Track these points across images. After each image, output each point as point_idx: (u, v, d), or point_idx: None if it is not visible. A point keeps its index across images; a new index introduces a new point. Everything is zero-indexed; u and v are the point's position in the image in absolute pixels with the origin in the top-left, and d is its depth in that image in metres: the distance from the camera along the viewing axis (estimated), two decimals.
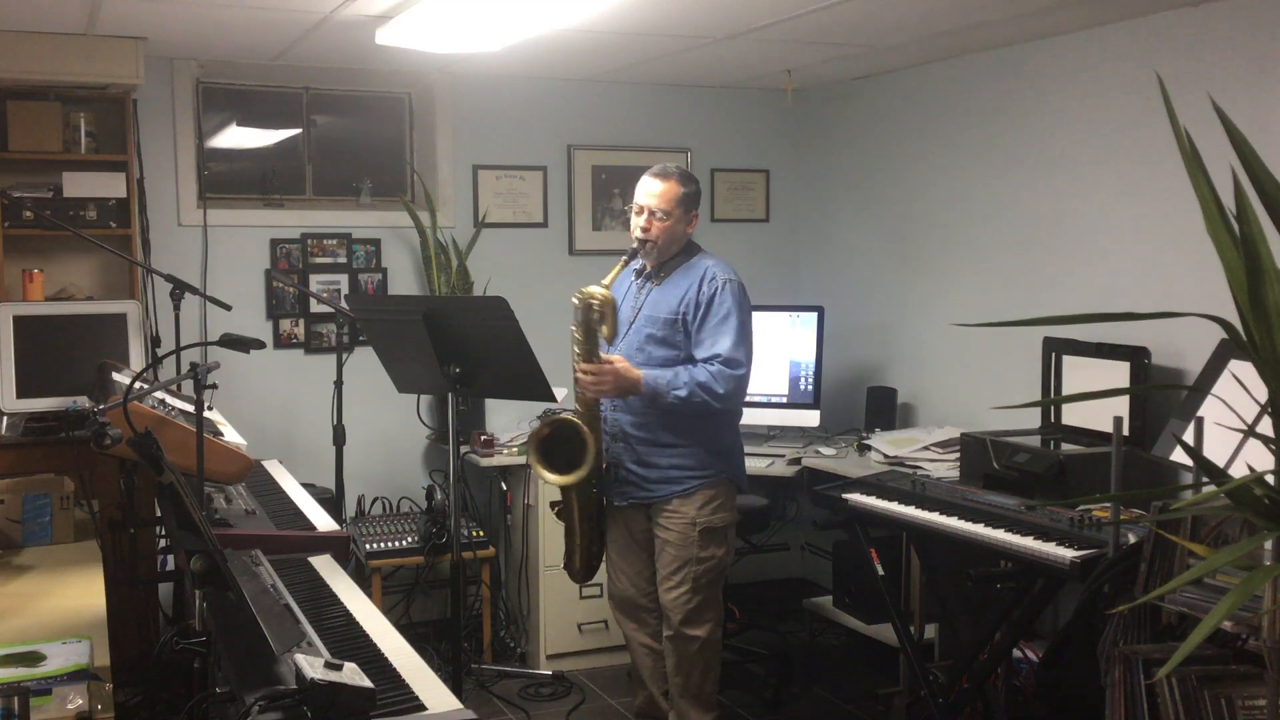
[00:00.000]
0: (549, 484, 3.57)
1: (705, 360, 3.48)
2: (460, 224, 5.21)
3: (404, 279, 5.16)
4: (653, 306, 3.61)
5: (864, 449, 4.61)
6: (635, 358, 3.57)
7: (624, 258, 3.59)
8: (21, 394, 4.04)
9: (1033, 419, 4.12)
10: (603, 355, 3.51)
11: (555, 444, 3.54)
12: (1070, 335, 3.99)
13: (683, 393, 3.44)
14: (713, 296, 3.51)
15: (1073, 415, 3.97)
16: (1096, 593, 2.99)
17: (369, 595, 3.32)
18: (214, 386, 3.43)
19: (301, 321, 5.02)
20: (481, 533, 4.82)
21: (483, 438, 4.80)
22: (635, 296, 3.68)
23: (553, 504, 3.72)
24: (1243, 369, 2.67)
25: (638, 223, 3.57)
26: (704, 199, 5.57)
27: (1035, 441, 3.89)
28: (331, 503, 4.29)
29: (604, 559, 3.82)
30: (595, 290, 3.47)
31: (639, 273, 3.71)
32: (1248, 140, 1.85)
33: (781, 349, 4.99)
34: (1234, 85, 3.54)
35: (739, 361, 3.48)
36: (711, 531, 3.58)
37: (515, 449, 4.78)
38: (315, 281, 5.00)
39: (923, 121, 4.92)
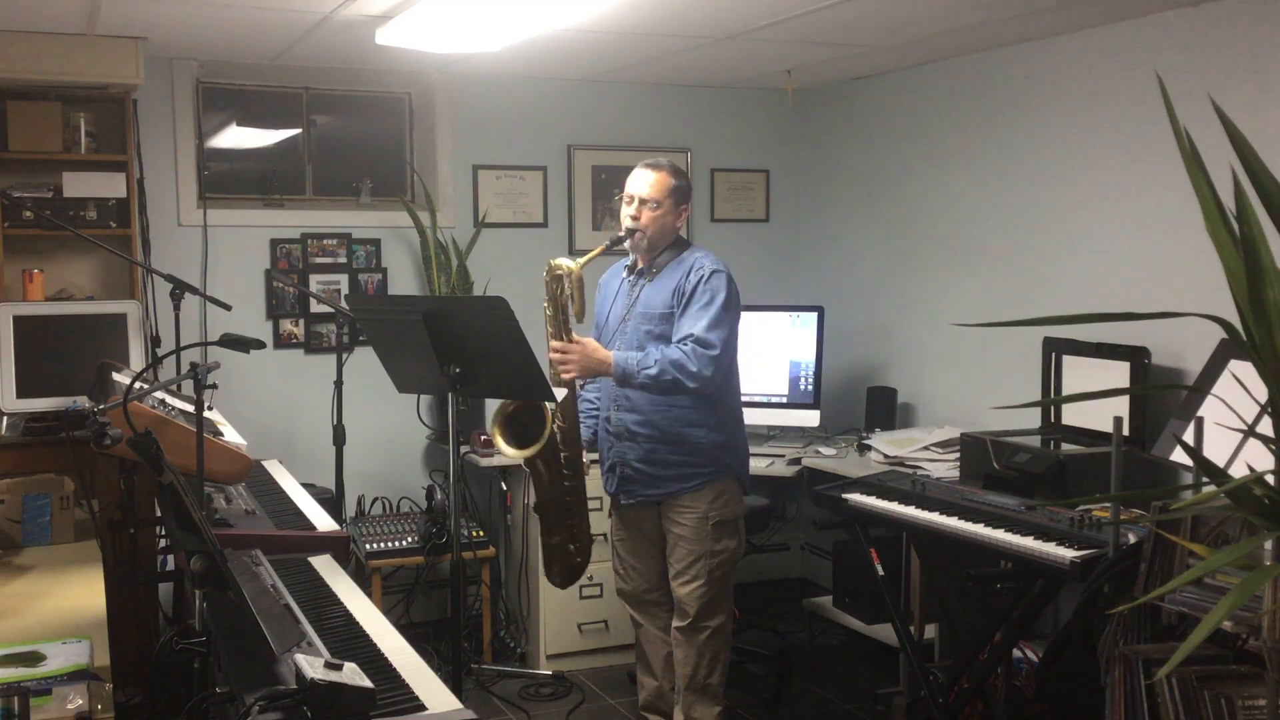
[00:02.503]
0: (508, 457, 3.59)
1: (679, 341, 3.49)
2: (460, 224, 5.21)
3: (404, 279, 5.16)
4: (646, 304, 3.62)
5: (864, 449, 4.61)
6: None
7: (605, 241, 3.59)
8: (21, 394, 4.04)
9: (1033, 419, 4.12)
10: (575, 338, 3.53)
11: (521, 421, 3.56)
12: (1070, 335, 3.99)
13: (653, 370, 3.44)
14: (698, 283, 3.51)
15: (1073, 415, 3.97)
16: (1096, 593, 2.99)
17: (369, 595, 3.32)
18: (214, 386, 3.43)
19: (301, 321, 5.02)
20: (481, 533, 4.82)
21: (483, 438, 4.79)
22: (628, 294, 3.69)
23: (535, 506, 3.74)
24: (1243, 369, 2.67)
25: (628, 211, 3.59)
26: (704, 199, 5.59)
27: (1035, 441, 3.89)
28: (331, 503, 4.29)
29: (612, 557, 3.83)
30: (563, 261, 3.49)
31: (630, 269, 3.72)
32: (1248, 140, 1.85)
33: (781, 349, 4.99)
34: (1234, 85, 3.54)
35: (711, 343, 3.45)
36: (724, 524, 3.60)
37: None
38: (315, 281, 5.00)
39: (923, 121, 4.92)
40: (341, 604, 2.71)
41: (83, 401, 3.90)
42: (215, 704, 2.15)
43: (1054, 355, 4.07)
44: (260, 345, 3.33)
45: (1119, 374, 3.75)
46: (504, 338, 3.31)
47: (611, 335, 3.68)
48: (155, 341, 4.40)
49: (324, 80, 5.12)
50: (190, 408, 3.35)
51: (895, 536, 4.18)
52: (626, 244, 3.61)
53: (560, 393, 3.53)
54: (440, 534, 4.60)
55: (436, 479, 5.08)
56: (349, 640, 2.46)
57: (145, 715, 3.60)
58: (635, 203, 3.57)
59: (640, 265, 3.68)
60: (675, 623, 3.67)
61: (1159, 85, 1.97)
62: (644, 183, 3.57)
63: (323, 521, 3.52)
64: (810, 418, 4.95)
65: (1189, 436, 2.82)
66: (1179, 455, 3.23)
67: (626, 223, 3.59)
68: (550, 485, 3.64)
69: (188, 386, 3.31)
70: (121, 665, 3.11)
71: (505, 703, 4.38)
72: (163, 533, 4.11)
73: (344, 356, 4.56)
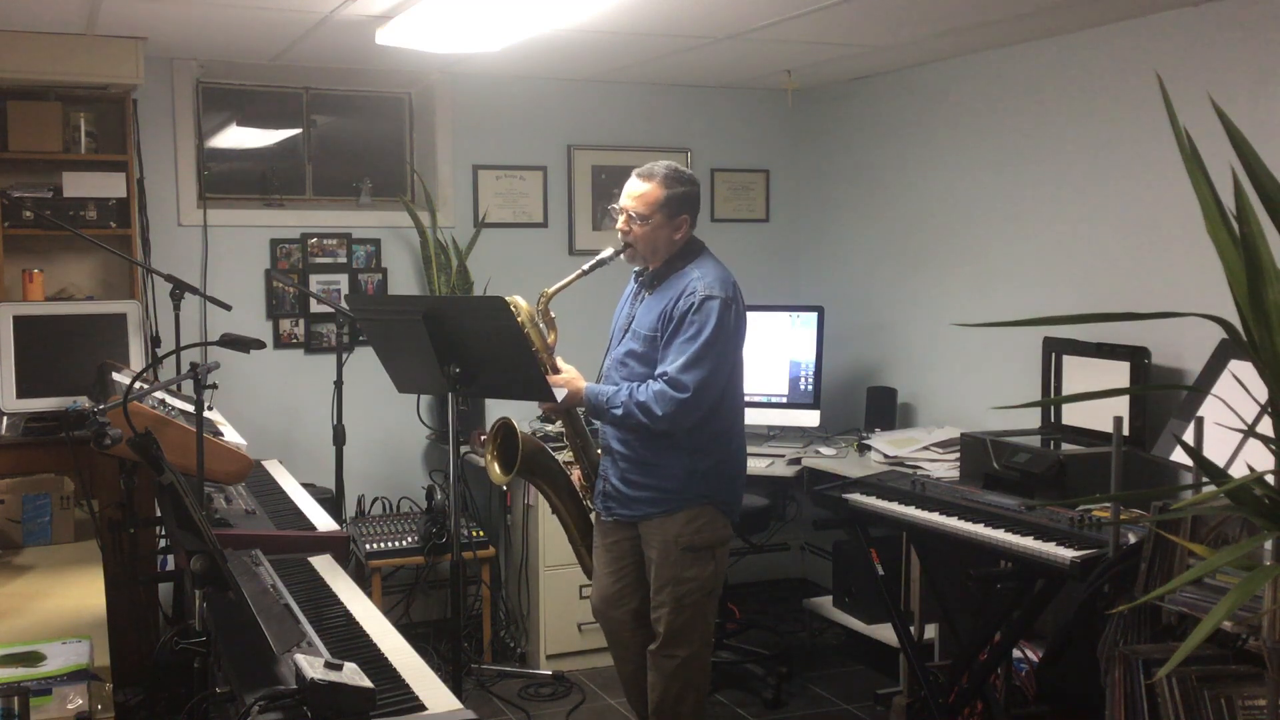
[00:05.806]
0: (498, 481, 3.58)
1: (655, 377, 3.30)
2: (460, 224, 5.21)
3: (404, 279, 5.16)
4: (639, 320, 3.42)
5: (864, 449, 4.61)
6: (618, 372, 3.43)
7: (582, 268, 3.42)
8: (21, 394, 4.04)
9: (1033, 419, 4.12)
10: (559, 365, 3.46)
11: (509, 446, 3.52)
12: (1070, 335, 3.99)
13: (619, 411, 3.30)
14: (686, 312, 3.26)
15: (1073, 415, 3.97)
16: (1096, 593, 2.99)
17: (369, 595, 3.31)
18: (214, 386, 3.42)
19: (301, 321, 5.02)
20: (481, 533, 4.82)
21: (483, 438, 4.78)
22: (631, 305, 3.52)
23: (554, 513, 3.73)
24: (1243, 369, 2.67)
25: (620, 223, 3.40)
26: (704, 199, 5.52)
27: (1035, 441, 3.89)
28: (331, 503, 4.29)
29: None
30: (518, 300, 3.37)
31: (638, 276, 3.53)
32: (1248, 140, 1.85)
33: (781, 349, 4.99)
34: (1234, 85, 3.54)
35: (684, 385, 3.22)
36: (695, 550, 3.36)
37: None
38: (315, 281, 5.00)
39: (923, 121, 4.92)
40: (341, 604, 2.71)
41: (83, 401, 3.90)
42: (215, 704, 2.15)
43: (1054, 355, 4.07)
44: (260, 345, 3.33)
45: (1119, 374, 3.75)
46: (504, 338, 3.31)
47: (613, 347, 3.52)
48: (155, 341, 4.39)
49: (324, 80, 5.12)
50: (190, 408, 3.35)
51: (895, 536, 4.17)
52: (623, 256, 3.42)
53: (560, 393, 3.49)
54: (440, 534, 4.60)
55: (436, 479, 5.08)
56: (349, 640, 2.46)
57: (145, 715, 3.60)
58: (624, 215, 3.37)
59: (647, 275, 3.46)
60: (650, 645, 3.48)
61: (1159, 85, 1.97)
62: (632, 194, 3.35)
63: (323, 521, 3.52)
64: (810, 418, 4.95)
65: (1189, 436, 2.82)
66: (1179, 455, 3.23)
67: (618, 236, 3.41)
68: (564, 500, 3.61)
69: (188, 386, 3.31)
70: (121, 665, 3.12)
71: (505, 703, 4.38)
72: (163, 533, 4.11)
73: (344, 356, 4.56)
